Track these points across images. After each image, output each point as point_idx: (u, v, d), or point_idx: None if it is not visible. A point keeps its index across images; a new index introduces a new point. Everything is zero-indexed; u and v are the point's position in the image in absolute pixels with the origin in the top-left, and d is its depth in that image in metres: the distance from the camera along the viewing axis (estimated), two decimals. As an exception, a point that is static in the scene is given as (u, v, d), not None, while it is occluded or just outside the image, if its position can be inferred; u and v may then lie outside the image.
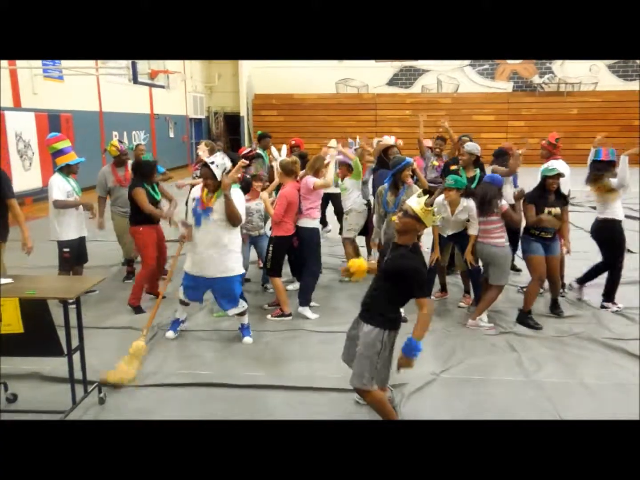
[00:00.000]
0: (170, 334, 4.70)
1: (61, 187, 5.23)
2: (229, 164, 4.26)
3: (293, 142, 7.54)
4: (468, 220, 5.05)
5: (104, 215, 6.16)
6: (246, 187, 5.38)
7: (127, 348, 4.46)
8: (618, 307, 5.33)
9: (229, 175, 4.23)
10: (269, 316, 5.15)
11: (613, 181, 5.10)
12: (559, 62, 20.76)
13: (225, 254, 4.30)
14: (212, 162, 4.14)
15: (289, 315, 5.12)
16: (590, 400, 3.71)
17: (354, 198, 6.10)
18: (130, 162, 6.29)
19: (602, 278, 5.44)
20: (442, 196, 5.11)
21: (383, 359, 3.14)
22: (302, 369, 4.14)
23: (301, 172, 5.35)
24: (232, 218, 4.17)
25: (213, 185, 4.20)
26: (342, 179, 6.25)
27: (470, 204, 4.97)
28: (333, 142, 5.97)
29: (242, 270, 4.52)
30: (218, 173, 4.13)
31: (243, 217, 4.35)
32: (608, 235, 5.23)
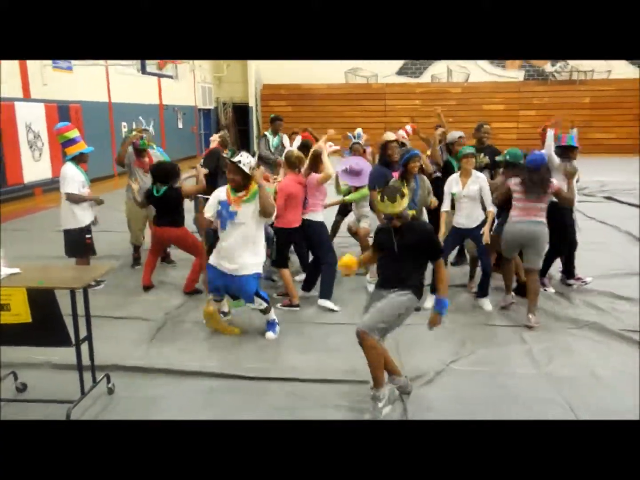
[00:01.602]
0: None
1: (75, 178, 5.26)
2: (253, 162, 4.20)
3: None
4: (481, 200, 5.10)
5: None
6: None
7: (138, 337, 4.51)
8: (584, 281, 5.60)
9: (257, 170, 4.16)
10: (278, 305, 5.15)
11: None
12: (571, 50, 20.45)
13: (243, 252, 4.25)
14: (239, 161, 4.09)
15: (297, 306, 5.12)
16: (602, 392, 3.66)
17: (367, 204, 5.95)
18: (149, 150, 6.36)
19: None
20: (455, 175, 5.17)
21: (399, 320, 3.38)
22: (309, 360, 4.12)
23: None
24: (265, 208, 4.10)
25: (238, 182, 4.16)
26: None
27: (481, 175, 5.07)
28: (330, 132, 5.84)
29: (258, 270, 4.40)
30: (246, 169, 4.09)
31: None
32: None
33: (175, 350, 4.30)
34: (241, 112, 21.67)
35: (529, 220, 4.75)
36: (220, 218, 4.29)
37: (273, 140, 7.70)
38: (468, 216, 5.07)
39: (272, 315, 4.58)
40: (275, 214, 4.27)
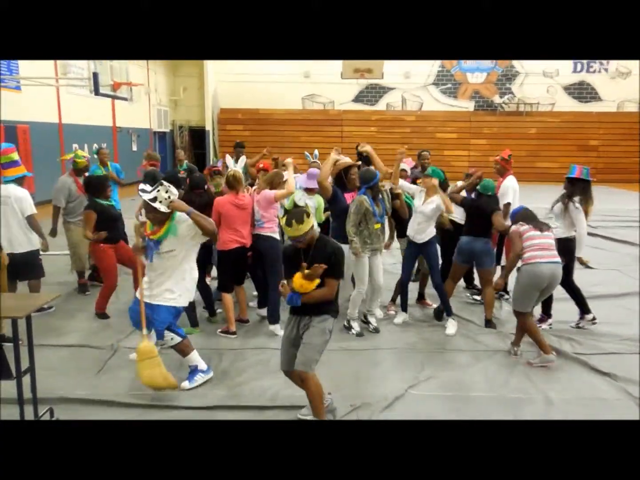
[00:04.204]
0: None
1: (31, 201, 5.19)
2: (174, 194, 3.76)
3: (261, 166, 7.41)
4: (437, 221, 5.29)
5: (57, 225, 6.20)
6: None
7: (85, 367, 4.28)
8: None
9: (177, 201, 3.76)
10: (218, 331, 5.09)
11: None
12: (518, 82, 21.44)
13: (166, 281, 3.88)
14: (155, 198, 3.71)
15: (234, 333, 5.02)
16: (554, 415, 3.72)
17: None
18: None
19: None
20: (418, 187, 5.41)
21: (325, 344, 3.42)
22: (268, 387, 4.02)
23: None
24: (202, 229, 3.75)
25: (152, 219, 3.81)
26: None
27: (438, 200, 5.09)
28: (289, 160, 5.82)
29: (177, 304, 3.91)
30: (163, 207, 3.71)
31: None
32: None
33: (124, 380, 4.10)
34: (198, 135, 21.52)
35: (553, 260, 4.43)
36: (147, 248, 3.91)
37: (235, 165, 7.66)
38: (418, 231, 5.22)
39: (194, 359, 4.06)
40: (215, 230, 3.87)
